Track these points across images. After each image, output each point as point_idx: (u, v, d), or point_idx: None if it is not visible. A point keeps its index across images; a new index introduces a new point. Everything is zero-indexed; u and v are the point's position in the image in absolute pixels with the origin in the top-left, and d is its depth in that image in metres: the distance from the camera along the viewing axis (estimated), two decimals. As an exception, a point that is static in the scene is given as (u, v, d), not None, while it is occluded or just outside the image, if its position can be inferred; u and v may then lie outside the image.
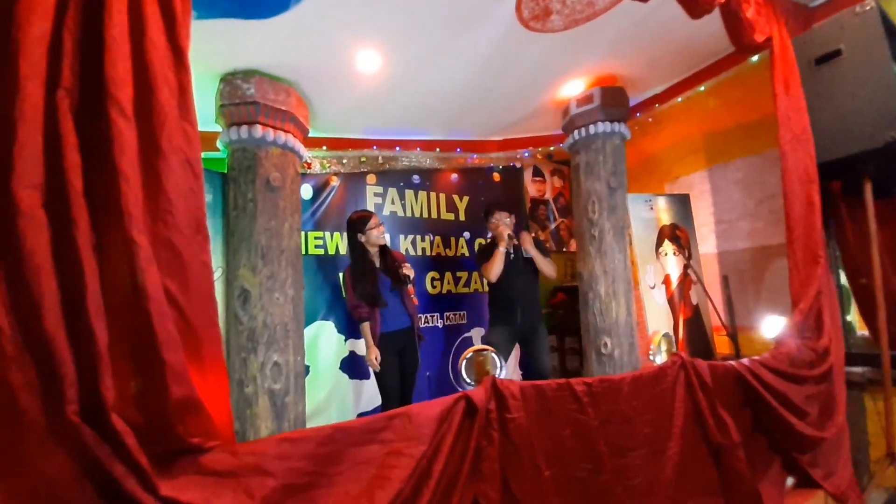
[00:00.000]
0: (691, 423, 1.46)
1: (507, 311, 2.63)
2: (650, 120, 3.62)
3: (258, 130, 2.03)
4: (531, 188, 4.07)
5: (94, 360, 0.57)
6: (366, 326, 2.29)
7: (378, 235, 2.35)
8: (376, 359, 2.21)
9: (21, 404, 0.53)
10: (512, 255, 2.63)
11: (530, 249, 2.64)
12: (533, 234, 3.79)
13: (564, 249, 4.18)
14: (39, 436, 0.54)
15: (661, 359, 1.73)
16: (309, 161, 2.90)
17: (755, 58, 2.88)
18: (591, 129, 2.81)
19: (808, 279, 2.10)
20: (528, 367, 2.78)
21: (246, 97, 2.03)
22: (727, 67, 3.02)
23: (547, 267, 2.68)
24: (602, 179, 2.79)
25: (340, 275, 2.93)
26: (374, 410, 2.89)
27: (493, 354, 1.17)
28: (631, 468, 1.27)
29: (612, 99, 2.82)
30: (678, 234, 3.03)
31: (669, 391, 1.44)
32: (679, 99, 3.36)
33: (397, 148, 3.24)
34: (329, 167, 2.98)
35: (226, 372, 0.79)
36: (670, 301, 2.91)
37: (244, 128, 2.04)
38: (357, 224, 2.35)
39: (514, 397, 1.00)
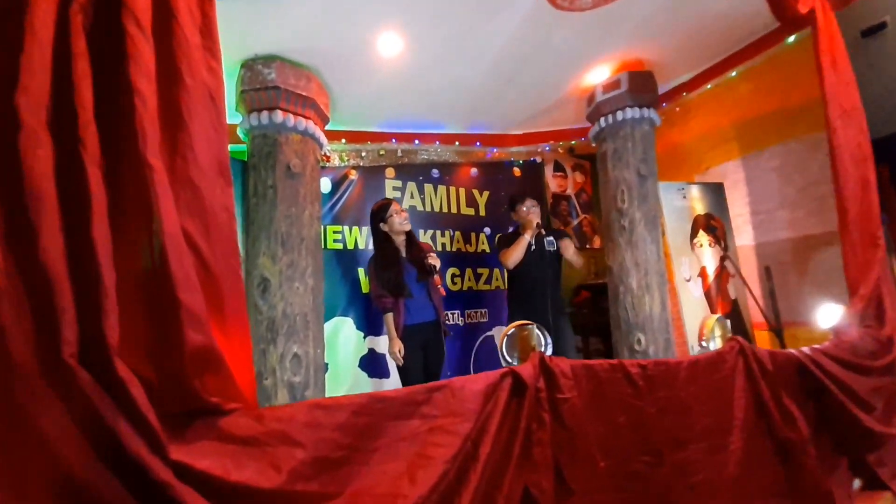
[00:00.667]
0: (753, 415, 1.31)
1: (525, 305, 2.53)
2: (677, 109, 3.49)
3: (279, 115, 1.99)
4: (552, 183, 3.95)
5: (98, 297, 0.49)
6: (389, 317, 2.19)
7: (401, 222, 2.28)
8: (400, 351, 2.11)
9: (9, 344, 0.45)
10: (533, 247, 2.51)
11: (569, 254, 2.62)
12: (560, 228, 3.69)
13: (588, 246, 4.04)
14: (30, 383, 0.46)
15: (715, 345, 1.59)
16: (328, 154, 2.85)
17: (790, 39, 2.75)
18: (619, 115, 2.70)
19: (867, 264, 1.93)
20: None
21: (267, 82, 1.99)
22: (760, 51, 2.88)
23: (575, 257, 2.58)
24: (631, 167, 2.67)
25: (361, 270, 2.86)
26: (395, 411, 2.78)
27: (538, 329, 1.06)
28: (691, 463, 1.14)
29: (640, 84, 2.71)
30: (713, 225, 2.87)
31: (728, 379, 1.30)
32: (709, 86, 3.22)
33: (416, 141, 3.17)
34: (348, 160, 2.93)
35: (248, 328, 0.70)
36: (707, 295, 2.75)
37: (264, 113, 1.99)
38: (378, 213, 2.29)
39: (565, 376, 0.89)
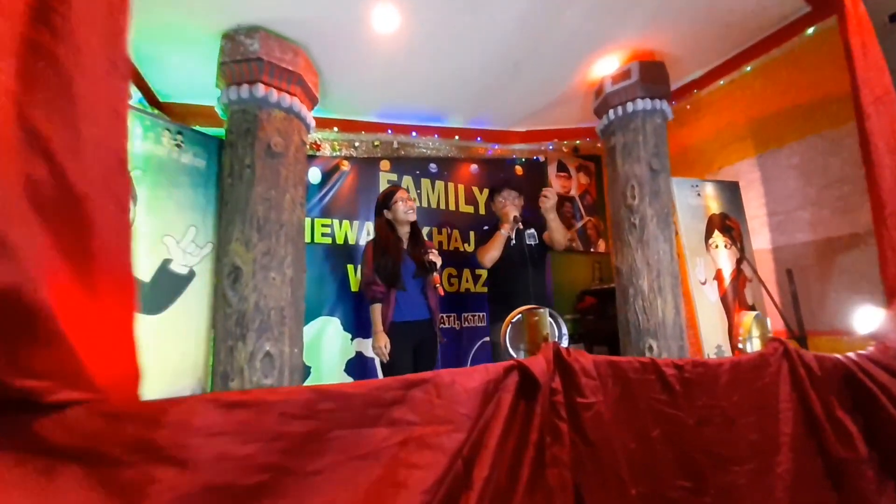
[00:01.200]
0: (803, 429, 1.09)
1: (505, 307, 2.33)
2: (688, 107, 3.34)
3: (260, 89, 1.81)
4: (555, 184, 3.77)
5: None
6: (376, 309, 1.99)
7: (406, 210, 2.11)
8: (385, 347, 1.90)
9: None
10: (513, 242, 2.31)
11: (548, 212, 2.35)
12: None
13: (592, 250, 3.84)
14: None
15: (752, 347, 1.38)
16: (318, 142, 2.68)
17: (810, 30, 2.61)
18: (629, 107, 2.54)
19: (909, 263, 1.73)
20: None
21: (249, 54, 1.82)
22: (777, 44, 2.74)
23: (558, 232, 2.38)
24: (642, 161, 2.49)
25: (350, 267, 2.65)
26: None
27: (552, 316, 0.86)
28: (736, 490, 0.92)
29: (652, 74, 2.56)
30: (729, 225, 2.69)
31: (772, 386, 1.09)
32: (721, 82, 3.08)
33: (413, 133, 3.00)
34: (340, 150, 2.75)
35: (133, 289, 0.48)
36: (723, 299, 2.54)
37: (244, 87, 1.82)
38: (384, 200, 2.14)
39: (587, 374, 0.69)
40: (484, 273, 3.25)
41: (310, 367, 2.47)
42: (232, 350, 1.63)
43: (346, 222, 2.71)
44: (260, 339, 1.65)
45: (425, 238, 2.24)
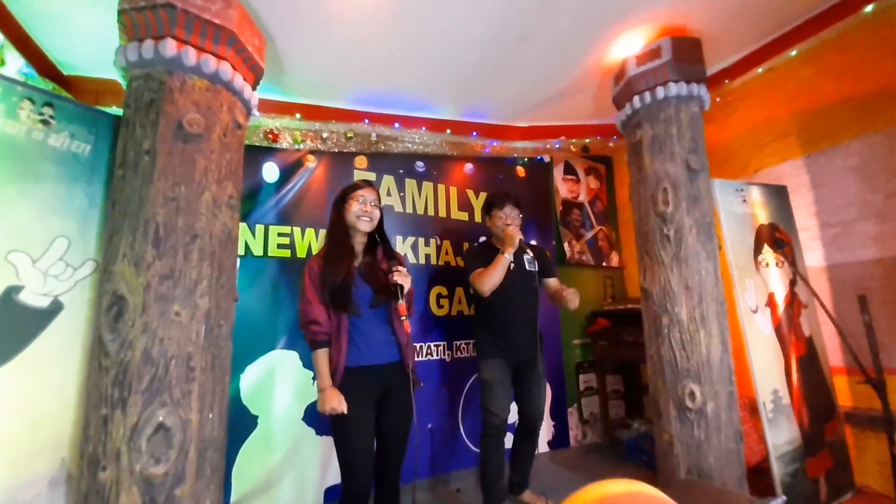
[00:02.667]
0: None
1: (503, 338, 1.95)
2: (718, 100, 2.86)
3: (170, 47, 1.30)
4: (562, 188, 3.29)
5: None
6: (321, 355, 1.42)
7: (359, 214, 1.53)
8: (338, 406, 1.35)
9: None
10: (512, 265, 1.92)
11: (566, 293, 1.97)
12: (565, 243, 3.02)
13: (604, 264, 3.35)
14: None
15: None
16: (276, 131, 2.16)
17: (868, 8, 2.16)
18: (660, 92, 2.06)
19: None
20: (524, 402, 2.05)
21: (156, -2, 1.30)
22: (829, 24, 2.30)
23: (572, 296, 1.96)
24: (677, 159, 2.00)
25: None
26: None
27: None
28: None
29: (687, 52, 2.08)
30: (780, 238, 2.20)
31: None
32: (760, 70, 2.62)
33: (396, 124, 2.50)
34: (303, 142, 2.24)
35: None
36: (777, 330, 2.04)
37: (149, 43, 1.31)
38: (341, 195, 1.59)
39: None
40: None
41: (256, 418, 1.93)
42: (106, 422, 1.10)
43: (310, 231, 2.19)
44: (150, 404, 1.12)
45: (395, 251, 1.69)
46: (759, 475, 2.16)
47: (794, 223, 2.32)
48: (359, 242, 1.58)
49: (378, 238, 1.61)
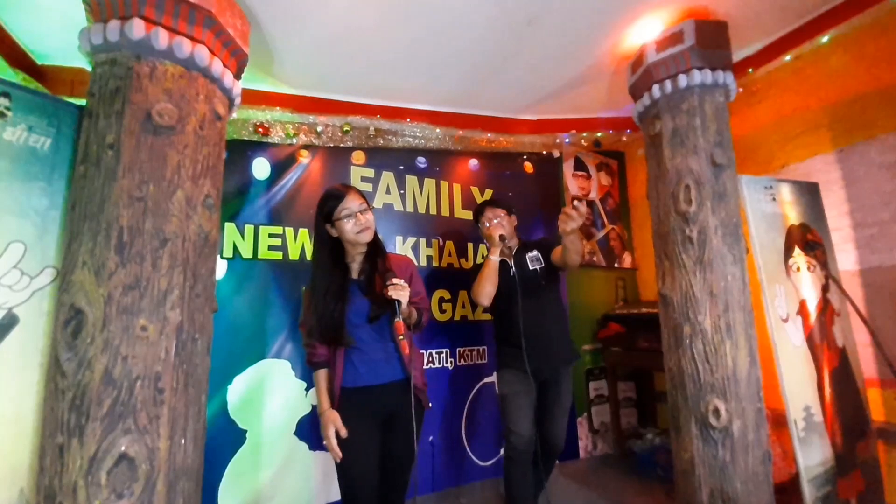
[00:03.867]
0: None
1: (519, 348, 1.74)
2: (741, 90, 2.67)
3: (137, 28, 1.16)
4: (572, 184, 3.12)
5: None
6: (321, 376, 1.37)
7: (355, 229, 1.38)
8: (338, 432, 1.27)
9: None
10: (512, 270, 1.77)
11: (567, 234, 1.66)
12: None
13: (616, 265, 3.18)
14: None
15: None
16: (267, 124, 2.02)
17: (910, -12, 1.97)
18: (682, 80, 1.88)
19: None
20: (541, 425, 1.81)
21: (122, -27, 1.16)
22: (863, 8, 2.11)
23: (574, 251, 1.72)
24: (701, 153, 1.83)
25: (303, 289, 1.99)
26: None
27: None
28: None
29: (712, 36, 1.91)
30: (812, 240, 2.02)
31: None
32: (787, 57, 2.43)
33: (396, 117, 2.34)
34: (296, 136, 2.10)
35: None
36: (808, 341, 1.88)
37: (114, 24, 1.17)
38: (324, 205, 1.41)
39: None
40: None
41: (245, 432, 1.81)
42: (62, 452, 0.97)
43: (303, 231, 2.06)
44: (111, 432, 0.99)
45: (395, 256, 1.53)
46: (783, 494, 2.00)
47: (826, 223, 2.14)
48: (358, 252, 1.45)
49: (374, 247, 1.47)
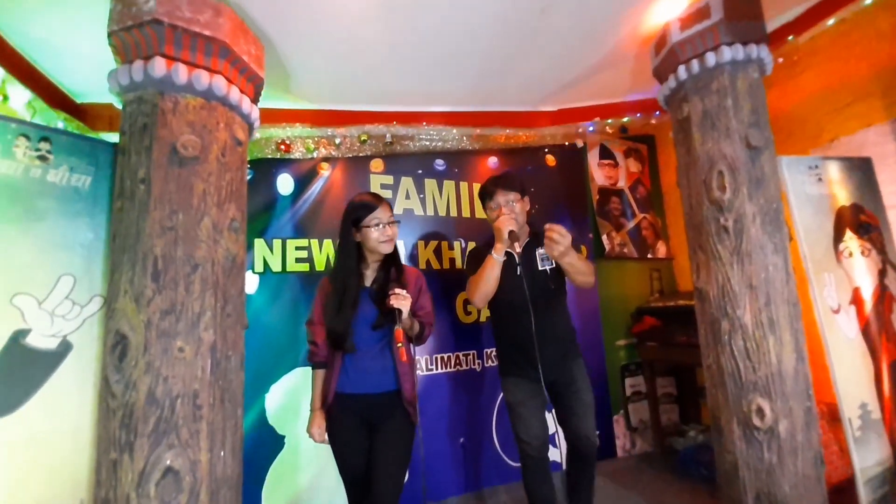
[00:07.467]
0: None
1: (522, 354, 1.61)
2: (780, 61, 2.48)
3: (159, 66, 1.23)
4: (598, 174, 3.02)
5: None
6: (318, 376, 1.48)
7: (381, 238, 1.45)
8: (320, 433, 1.44)
9: None
10: (519, 268, 1.56)
11: (562, 257, 1.50)
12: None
13: (649, 256, 3.05)
14: None
15: None
16: (288, 141, 2.09)
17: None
18: (710, 58, 1.76)
19: None
20: (566, 425, 1.67)
21: (142, 14, 1.24)
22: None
23: (579, 273, 1.56)
24: (734, 135, 1.72)
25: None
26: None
27: None
28: None
29: (742, 7, 1.77)
30: (865, 222, 1.86)
31: None
32: (830, 21, 2.23)
33: (412, 123, 2.35)
34: (316, 150, 2.15)
35: None
36: (864, 332, 1.73)
37: (139, 65, 1.24)
38: (353, 213, 1.47)
39: None
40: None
41: (283, 437, 1.90)
42: (116, 466, 1.06)
43: (327, 242, 2.12)
44: (157, 447, 1.07)
45: (410, 269, 1.57)
46: (841, 495, 1.87)
47: (882, 202, 1.95)
48: (375, 261, 1.51)
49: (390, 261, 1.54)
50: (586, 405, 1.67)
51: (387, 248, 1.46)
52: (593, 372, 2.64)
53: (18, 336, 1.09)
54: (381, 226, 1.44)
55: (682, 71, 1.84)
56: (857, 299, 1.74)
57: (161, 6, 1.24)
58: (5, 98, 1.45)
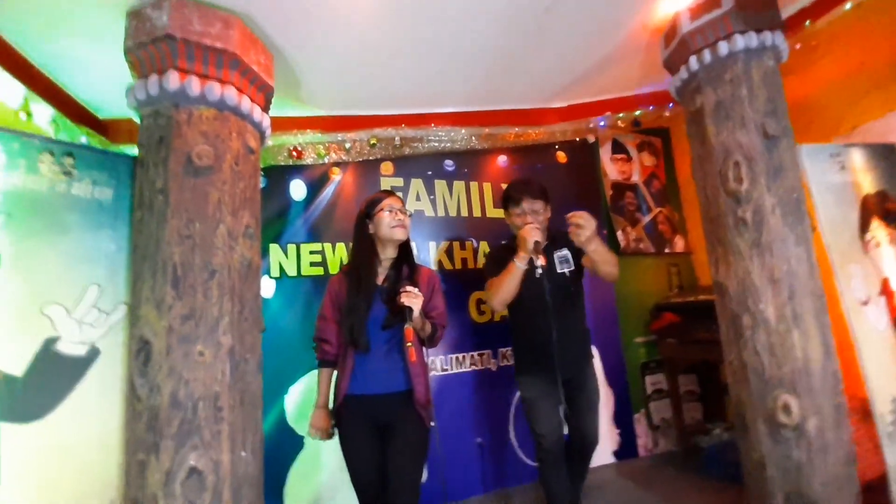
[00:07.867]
0: None
1: (538, 354, 1.65)
2: (798, 47, 2.40)
3: (173, 79, 1.27)
4: (611, 169, 2.98)
5: None
6: (325, 374, 1.48)
7: (392, 223, 1.48)
8: (324, 431, 1.45)
9: None
10: (539, 272, 1.53)
11: (588, 244, 1.54)
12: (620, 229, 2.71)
13: (667, 250, 2.99)
14: None
15: None
16: (299, 148, 2.13)
17: None
18: (723, 47, 1.72)
19: None
20: (574, 423, 1.71)
21: (156, 30, 1.28)
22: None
23: (605, 263, 1.61)
24: (750, 125, 1.67)
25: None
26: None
27: None
28: None
29: (754, -6, 1.72)
30: (892, 209, 1.78)
31: None
32: (847, 6, 2.14)
33: (420, 124, 2.36)
34: (327, 155, 2.19)
35: None
36: (895, 325, 1.65)
37: (153, 79, 1.28)
38: (366, 208, 1.54)
39: None
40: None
41: (302, 438, 1.93)
42: (143, 467, 1.10)
43: (340, 245, 2.15)
44: (181, 448, 1.11)
45: (424, 269, 1.58)
46: (871, 493, 1.79)
47: (912, 188, 1.87)
48: (387, 258, 1.51)
49: (405, 249, 1.56)
50: (594, 406, 1.75)
51: (400, 234, 1.48)
52: (613, 370, 2.62)
53: (49, 343, 1.14)
54: (392, 211, 1.47)
55: (693, 62, 1.80)
56: (886, 290, 1.67)
57: (173, 21, 1.28)
58: (29, 115, 1.52)
